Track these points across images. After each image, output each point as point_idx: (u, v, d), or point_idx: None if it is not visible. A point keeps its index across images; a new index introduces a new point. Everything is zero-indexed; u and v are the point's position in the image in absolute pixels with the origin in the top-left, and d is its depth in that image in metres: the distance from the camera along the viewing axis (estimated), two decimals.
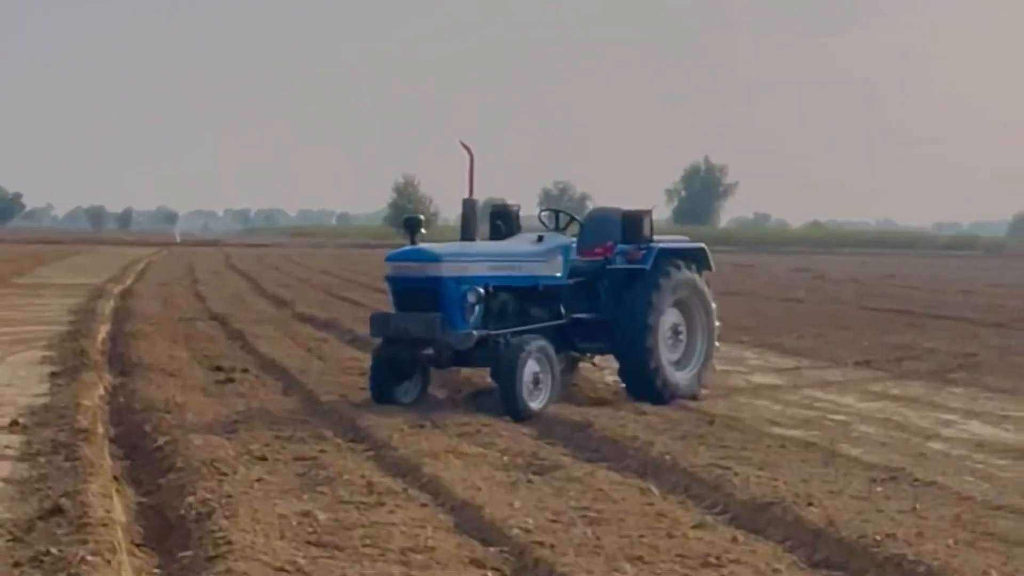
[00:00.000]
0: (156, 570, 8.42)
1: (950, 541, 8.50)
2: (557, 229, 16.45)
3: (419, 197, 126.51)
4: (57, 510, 9.19)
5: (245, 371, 17.87)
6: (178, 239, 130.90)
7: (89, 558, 7.83)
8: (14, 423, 13.51)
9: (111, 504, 9.57)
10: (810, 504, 9.47)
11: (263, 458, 11.40)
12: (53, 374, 17.82)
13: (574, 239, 16.12)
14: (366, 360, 16.34)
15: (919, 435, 13.67)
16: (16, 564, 8.05)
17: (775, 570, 7.98)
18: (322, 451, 11.81)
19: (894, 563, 8.00)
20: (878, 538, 8.44)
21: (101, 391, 15.99)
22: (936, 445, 13.05)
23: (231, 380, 16.89)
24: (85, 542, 8.24)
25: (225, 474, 10.53)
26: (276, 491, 10.06)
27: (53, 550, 8.13)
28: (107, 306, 30.67)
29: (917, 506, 9.64)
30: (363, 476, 10.66)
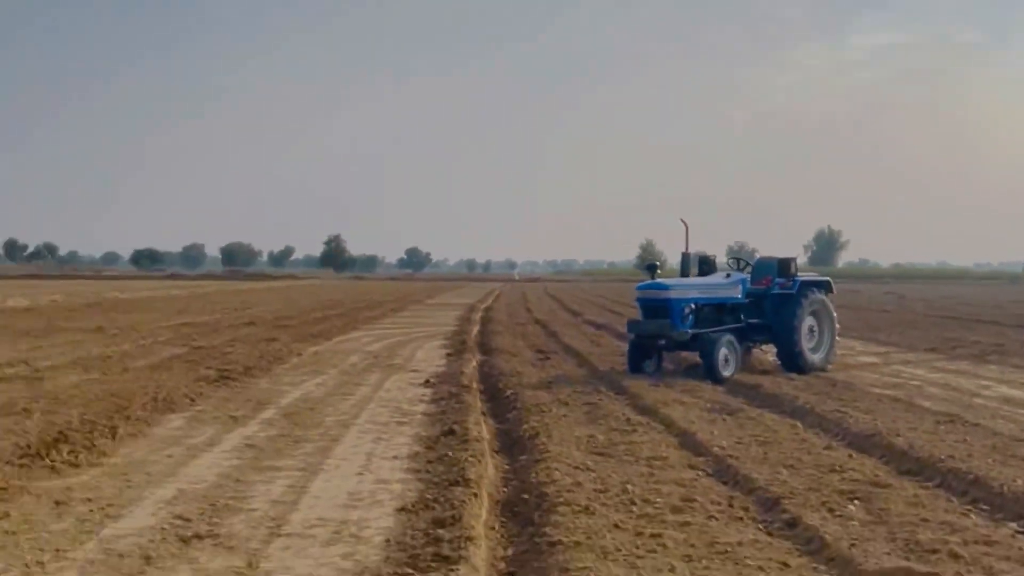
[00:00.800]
0: (506, 466, 8.54)
1: (989, 460, 8.00)
2: (738, 269, 16.17)
3: (655, 251, 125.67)
4: (451, 432, 9.46)
5: (555, 353, 18.03)
6: (516, 278, 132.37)
7: (469, 459, 8.03)
8: (427, 382, 13.96)
9: (480, 429, 9.78)
10: (898, 435, 9.04)
11: (566, 403, 11.48)
12: (448, 354, 18.31)
13: (748, 275, 15.79)
14: (625, 347, 16.30)
15: (967, 394, 12.85)
16: (429, 461, 8.30)
17: (876, 475, 7.62)
18: (599, 399, 11.83)
19: (953, 473, 7.57)
20: (942, 457, 8.00)
21: (474, 364, 16.32)
22: (979, 400, 12.25)
23: (547, 358, 17.04)
24: (467, 450, 8.46)
25: (544, 412, 10.65)
26: (573, 423, 10.13)
27: (449, 454, 8.39)
28: (477, 316, 31.38)
29: (967, 438, 9.08)
30: (624, 414, 10.63)
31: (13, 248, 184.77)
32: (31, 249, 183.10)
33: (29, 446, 8.25)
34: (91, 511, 6.66)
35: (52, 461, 8.01)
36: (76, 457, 8.24)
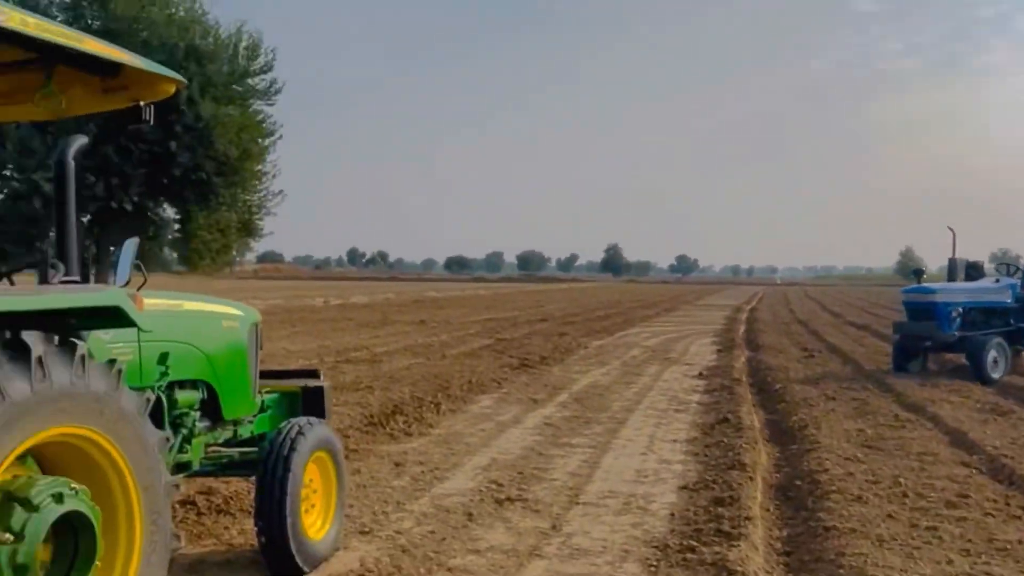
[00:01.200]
0: (777, 454, 8.16)
1: None
2: (1008, 275, 14.58)
3: (915, 257, 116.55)
4: (725, 420, 9.21)
5: (819, 351, 17.09)
6: (778, 281, 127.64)
7: (743, 445, 7.78)
8: (700, 374, 13.69)
9: (752, 418, 9.45)
10: None
11: (833, 398, 10.83)
12: (718, 350, 17.88)
13: (1019, 280, 14.20)
14: (888, 347, 15.18)
15: None
16: (706, 446, 8.07)
17: None
18: (866, 396, 11.07)
19: None
20: None
21: (743, 359, 15.83)
22: None
23: (812, 356, 16.19)
24: (740, 436, 8.22)
25: (812, 405, 10.12)
26: (842, 416, 9.53)
27: (724, 440, 8.17)
28: (743, 316, 30.47)
29: None
30: (891, 411, 9.87)
31: (354, 255, 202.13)
32: (368, 256, 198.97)
33: (372, 416, 8.89)
34: (423, 472, 7.06)
35: (390, 429, 8.59)
36: (409, 427, 8.79)
